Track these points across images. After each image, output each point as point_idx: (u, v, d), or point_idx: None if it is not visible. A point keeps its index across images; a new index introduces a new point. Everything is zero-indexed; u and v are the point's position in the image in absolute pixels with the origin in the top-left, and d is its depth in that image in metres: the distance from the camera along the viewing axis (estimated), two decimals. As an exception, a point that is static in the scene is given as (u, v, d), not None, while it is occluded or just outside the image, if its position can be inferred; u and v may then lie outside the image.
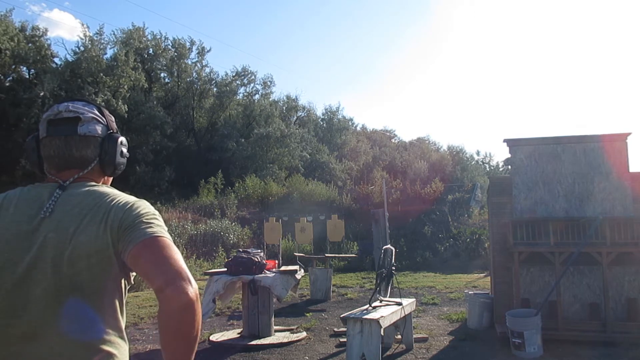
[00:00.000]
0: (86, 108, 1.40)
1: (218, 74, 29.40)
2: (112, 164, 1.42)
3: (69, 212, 1.27)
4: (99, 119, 1.42)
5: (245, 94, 30.17)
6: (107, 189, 1.36)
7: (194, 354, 1.19)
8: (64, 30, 48.28)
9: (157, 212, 1.36)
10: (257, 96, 30.58)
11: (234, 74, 29.23)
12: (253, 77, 29.92)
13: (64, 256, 1.22)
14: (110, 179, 1.52)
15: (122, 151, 1.45)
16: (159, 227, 1.28)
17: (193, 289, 1.16)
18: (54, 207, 1.28)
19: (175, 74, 27.43)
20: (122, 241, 1.25)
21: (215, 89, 28.56)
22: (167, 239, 1.25)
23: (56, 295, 1.22)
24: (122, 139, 1.46)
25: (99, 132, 1.40)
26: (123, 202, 1.31)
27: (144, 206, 1.34)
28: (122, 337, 1.30)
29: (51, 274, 1.22)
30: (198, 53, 28.15)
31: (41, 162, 1.40)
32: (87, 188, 1.34)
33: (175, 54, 27.00)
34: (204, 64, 28.62)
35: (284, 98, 32.28)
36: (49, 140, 1.36)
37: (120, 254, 1.25)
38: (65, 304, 1.22)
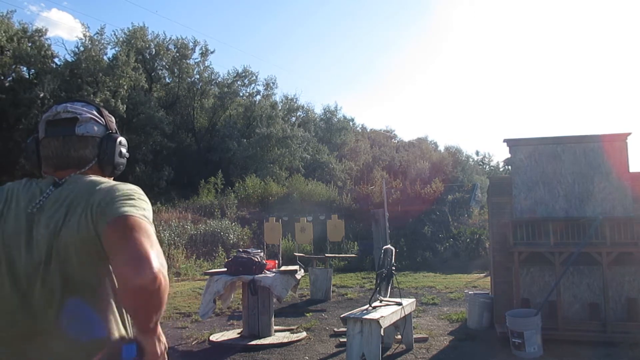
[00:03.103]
0: (84, 109, 1.40)
1: (219, 75, 29.40)
2: (110, 163, 1.42)
3: (61, 204, 1.26)
4: (98, 120, 1.42)
5: (246, 94, 30.18)
6: (100, 178, 1.34)
7: (154, 322, 1.16)
8: (63, 30, 48.25)
9: (142, 194, 1.30)
10: (258, 97, 30.63)
11: (235, 75, 29.25)
12: (254, 77, 29.96)
13: (55, 250, 1.22)
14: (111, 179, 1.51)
15: (121, 151, 1.45)
16: (136, 207, 1.21)
17: (154, 271, 1.07)
18: (43, 203, 1.27)
19: (177, 73, 27.42)
20: (98, 221, 1.19)
21: (216, 89, 28.54)
22: (139, 218, 1.18)
23: (53, 294, 1.21)
24: (121, 139, 1.45)
25: (97, 132, 1.40)
26: (109, 186, 1.27)
27: (129, 187, 1.28)
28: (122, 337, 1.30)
29: (45, 271, 1.22)
30: (201, 54, 28.16)
31: (41, 163, 1.41)
32: (79, 179, 1.32)
33: (177, 54, 26.98)
34: (206, 64, 28.67)
35: (283, 98, 32.36)
36: (48, 141, 1.37)
37: (100, 238, 1.19)
38: (63, 303, 1.21)
